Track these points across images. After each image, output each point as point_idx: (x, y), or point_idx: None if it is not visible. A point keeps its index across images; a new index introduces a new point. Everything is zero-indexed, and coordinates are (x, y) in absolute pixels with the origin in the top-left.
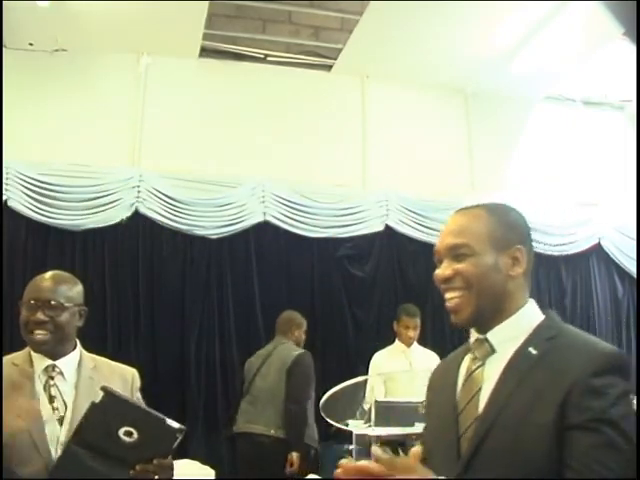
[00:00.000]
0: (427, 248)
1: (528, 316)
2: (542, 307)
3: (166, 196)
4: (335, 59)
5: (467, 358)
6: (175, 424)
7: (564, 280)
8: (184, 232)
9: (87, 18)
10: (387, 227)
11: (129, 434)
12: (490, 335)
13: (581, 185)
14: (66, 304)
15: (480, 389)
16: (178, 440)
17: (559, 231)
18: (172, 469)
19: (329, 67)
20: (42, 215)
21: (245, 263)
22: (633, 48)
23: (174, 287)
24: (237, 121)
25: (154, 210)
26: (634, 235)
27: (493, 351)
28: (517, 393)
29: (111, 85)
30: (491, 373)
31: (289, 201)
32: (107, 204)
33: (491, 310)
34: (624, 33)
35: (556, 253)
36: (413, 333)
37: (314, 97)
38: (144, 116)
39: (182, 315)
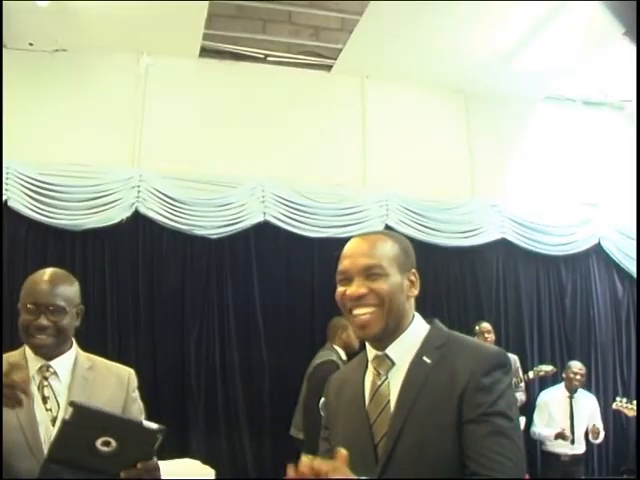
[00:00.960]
0: (427, 248)
1: (417, 329)
2: (426, 317)
3: (166, 196)
4: (335, 59)
5: (369, 373)
6: (154, 425)
7: (564, 280)
8: (184, 232)
9: (87, 18)
10: (387, 227)
11: (107, 444)
12: (389, 351)
13: (581, 185)
14: (67, 308)
15: (389, 401)
16: (159, 440)
17: (559, 231)
18: (158, 470)
19: (329, 67)
20: (42, 215)
21: (245, 263)
22: (633, 48)
23: (174, 287)
24: (237, 121)
25: (154, 210)
26: (634, 235)
27: (393, 364)
28: (418, 400)
29: (111, 85)
30: (395, 384)
31: (289, 201)
32: (107, 204)
33: (393, 326)
34: (624, 33)
35: (556, 253)
36: None
37: (314, 97)
38: (144, 116)
39: (182, 315)
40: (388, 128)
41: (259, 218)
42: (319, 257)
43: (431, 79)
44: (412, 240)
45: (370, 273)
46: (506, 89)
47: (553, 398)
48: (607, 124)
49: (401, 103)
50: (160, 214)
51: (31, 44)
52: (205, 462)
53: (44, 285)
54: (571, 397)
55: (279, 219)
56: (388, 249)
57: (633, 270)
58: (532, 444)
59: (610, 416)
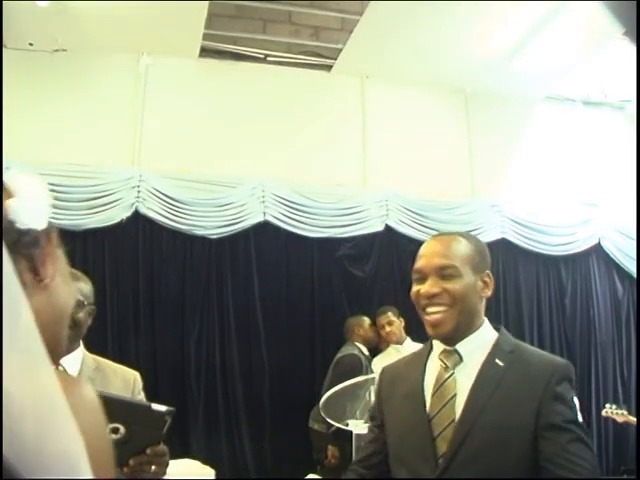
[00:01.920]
0: None
1: (487, 332)
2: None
3: (166, 196)
4: (335, 59)
5: (433, 365)
6: (162, 407)
7: (564, 280)
8: (184, 232)
9: (87, 18)
10: (387, 227)
11: (115, 431)
12: (459, 347)
13: (581, 185)
14: (84, 302)
15: (455, 395)
16: (168, 423)
17: (559, 231)
18: (167, 454)
19: (329, 67)
20: None
21: (245, 263)
22: (633, 48)
23: (174, 287)
24: (237, 121)
25: (154, 210)
26: (634, 235)
27: (461, 360)
28: (492, 399)
29: (111, 85)
30: (463, 380)
31: (289, 201)
32: (107, 204)
33: (464, 326)
34: (624, 33)
35: (556, 253)
36: (389, 328)
37: (314, 97)
38: (144, 116)
39: (182, 315)
40: (388, 128)
41: (259, 218)
42: (319, 257)
43: (431, 79)
44: (412, 240)
45: (444, 273)
46: (506, 89)
47: None
48: (607, 124)
49: (401, 103)
50: (160, 214)
51: (31, 44)
52: (205, 462)
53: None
54: None
55: (279, 219)
56: (462, 250)
57: (633, 270)
58: None
59: None
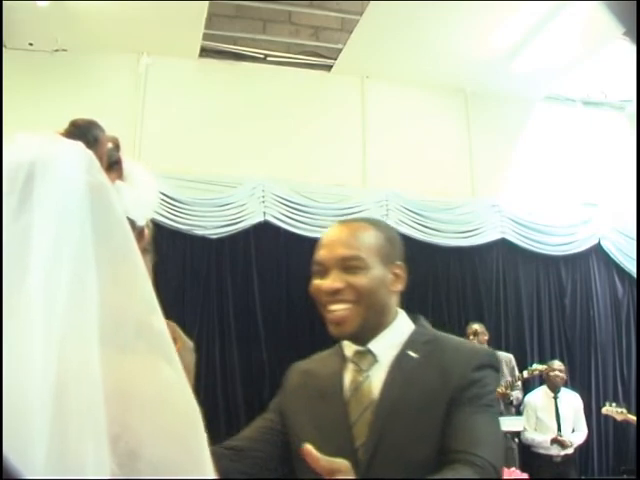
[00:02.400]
0: (427, 248)
1: (403, 326)
2: (409, 315)
3: (166, 196)
4: (335, 59)
5: (348, 369)
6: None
7: (564, 280)
8: (184, 232)
9: (87, 18)
10: None
11: None
12: (372, 345)
13: (581, 185)
14: None
15: (372, 401)
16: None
17: (559, 231)
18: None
19: (329, 67)
20: None
21: (245, 263)
22: (633, 48)
23: (174, 287)
24: (237, 121)
25: (154, 210)
26: (634, 235)
27: (376, 361)
28: (404, 397)
29: (111, 85)
30: (379, 383)
31: (289, 201)
32: None
33: (373, 323)
34: (624, 33)
35: (556, 253)
36: None
37: (314, 97)
38: (144, 116)
39: (182, 315)
40: (388, 128)
41: (259, 218)
42: None
43: (431, 79)
44: (412, 240)
45: (348, 265)
46: (506, 89)
47: (538, 400)
48: (607, 124)
49: (401, 103)
50: (160, 214)
51: (31, 44)
52: None
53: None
54: (555, 397)
55: (279, 219)
56: (370, 238)
57: (633, 270)
58: (526, 445)
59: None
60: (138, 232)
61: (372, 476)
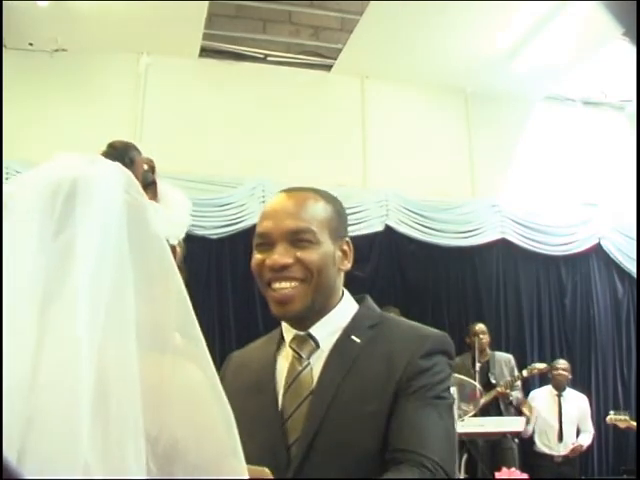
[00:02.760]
0: (427, 248)
1: (346, 307)
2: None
3: None
4: (335, 59)
5: (285, 356)
6: None
7: (564, 280)
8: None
9: (87, 18)
10: (387, 227)
11: None
12: (313, 331)
13: (581, 185)
14: None
15: (312, 392)
16: None
17: (559, 231)
18: None
19: (329, 67)
20: None
21: (245, 263)
22: (633, 48)
23: None
24: (237, 121)
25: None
26: (634, 235)
27: (318, 347)
28: (344, 385)
29: (111, 85)
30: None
31: None
32: None
33: (320, 304)
34: (624, 33)
35: (556, 253)
36: None
37: (314, 97)
38: (144, 116)
39: None
40: (388, 128)
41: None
42: None
43: (431, 79)
44: (412, 240)
45: (297, 239)
46: (506, 89)
47: (541, 397)
48: (607, 124)
49: (401, 103)
50: None
51: (31, 44)
52: None
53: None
54: (559, 395)
55: None
56: (320, 211)
57: (633, 270)
58: (527, 445)
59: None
60: (170, 250)
61: (305, 476)
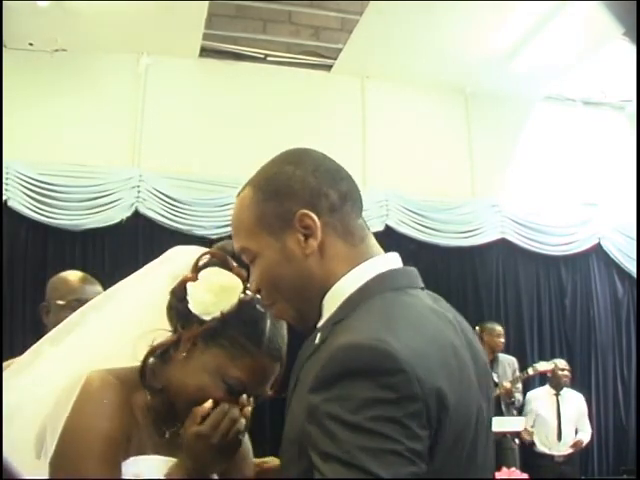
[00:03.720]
0: (427, 248)
1: (337, 293)
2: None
3: (166, 196)
4: (335, 59)
5: None
6: None
7: (564, 280)
8: (184, 232)
9: (87, 18)
10: (387, 227)
11: None
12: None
13: (581, 185)
14: None
15: None
16: None
17: (559, 231)
18: None
19: (329, 67)
20: (42, 215)
21: (245, 263)
22: (633, 48)
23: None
24: (237, 121)
25: (154, 210)
26: (634, 235)
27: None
28: (296, 391)
29: (111, 85)
30: None
31: None
32: (107, 204)
33: (313, 303)
34: (624, 33)
35: (556, 253)
36: None
37: (314, 97)
38: (144, 116)
39: None
40: (388, 128)
41: None
42: None
43: (431, 79)
44: (412, 240)
45: (247, 261)
46: (506, 89)
47: (539, 397)
48: (607, 124)
49: (401, 103)
50: (160, 214)
51: (31, 44)
52: None
53: (86, 283)
54: (557, 395)
55: None
56: (247, 213)
57: (633, 270)
58: (526, 445)
59: (610, 416)
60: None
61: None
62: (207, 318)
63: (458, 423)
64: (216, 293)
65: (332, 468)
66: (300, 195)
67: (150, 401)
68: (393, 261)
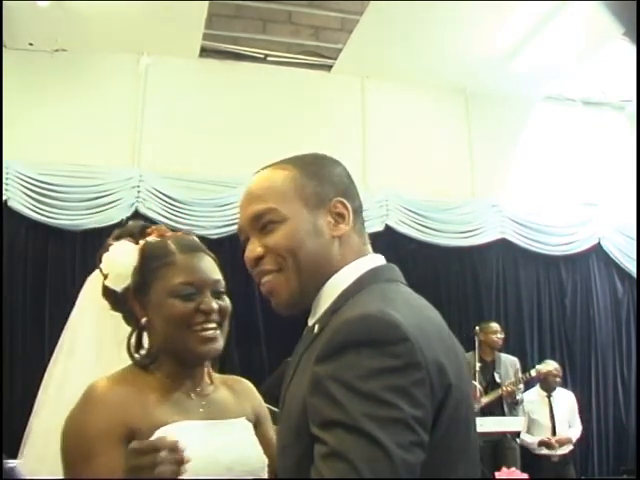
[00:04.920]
0: (427, 248)
1: (338, 282)
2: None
3: (166, 196)
4: (335, 59)
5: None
6: None
7: (564, 280)
8: (184, 232)
9: (87, 18)
10: (387, 227)
11: None
12: (312, 320)
13: (581, 185)
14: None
15: None
16: None
17: (559, 231)
18: None
19: (329, 67)
20: (42, 215)
21: (245, 263)
22: (633, 48)
23: None
24: (237, 121)
25: (154, 210)
26: (634, 235)
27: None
28: (293, 381)
29: (111, 85)
30: None
31: None
32: (107, 204)
33: (315, 284)
34: (624, 33)
35: (556, 253)
36: None
37: (314, 97)
38: (144, 116)
39: None
40: (388, 128)
41: None
42: None
43: (431, 79)
44: (412, 240)
45: (262, 224)
46: (506, 89)
47: (531, 400)
48: (607, 124)
49: (401, 103)
50: (160, 214)
51: (31, 44)
52: None
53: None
54: (549, 396)
55: None
56: (284, 181)
57: (633, 270)
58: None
59: (610, 416)
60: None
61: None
62: (127, 282)
63: (457, 398)
64: (115, 267)
65: (335, 434)
66: (338, 186)
67: (159, 372)
68: (381, 259)
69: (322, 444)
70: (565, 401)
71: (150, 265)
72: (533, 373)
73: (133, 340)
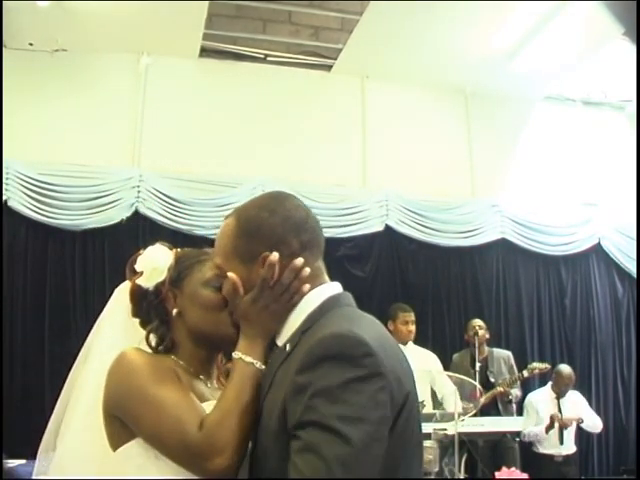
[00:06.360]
0: (427, 248)
1: (301, 310)
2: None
3: (166, 196)
4: (335, 59)
5: None
6: None
7: (564, 280)
8: (184, 232)
9: (87, 18)
10: (387, 227)
11: None
12: (279, 341)
13: (581, 185)
14: None
15: None
16: None
17: (559, 231)
18: None
19: (329, 67)
20: (42, 215)
21: None
22: (633, 48)
23: None
24: (237, 121)
25: (154, 210)
26: (634, 235)
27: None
28: (266, 399)
29: (111, 85)
30: None
31: None
32: (107, 204)
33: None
34: (624, 33)
35: (556, 253)
36: (412, 327)
37: (314, 97)
38: (144, 116)
39: None
40: (388, 128)
41: None
42: None
43: (431, 79)
44: (412, 240)
45: (223, 274)
46: (506, 89)
47: (540, 400)
48: (607, 124)
49: (401, 103)
50: (160, 214)
51: (31, 44)
52: None
53: None
54: (558, 398)
55: None
56: (226, 241)
57: (633, 270)
58: (527, 445)
59: (610, 416)
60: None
61: None
62: (161, 278)
63: (412, 402)
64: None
65: (309, 432)
66: (267, 240)
67: (180, 359)
68: (338, 287)
69: (298, 440)
70: (573, 403)
71: (185, 262)
72: (526, 373)
73: (155, 333)
